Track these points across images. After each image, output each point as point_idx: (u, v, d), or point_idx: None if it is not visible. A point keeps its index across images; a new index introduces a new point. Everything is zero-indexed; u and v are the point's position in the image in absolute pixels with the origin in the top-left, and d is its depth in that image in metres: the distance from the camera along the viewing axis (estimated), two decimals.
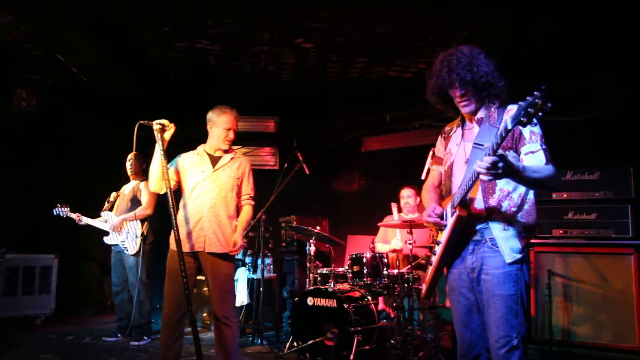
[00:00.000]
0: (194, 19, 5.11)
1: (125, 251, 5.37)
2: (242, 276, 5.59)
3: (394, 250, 5.29)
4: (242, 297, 5.50)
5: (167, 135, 3.42)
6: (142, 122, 3.31)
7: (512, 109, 2.39)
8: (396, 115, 6.86)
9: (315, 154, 6.00)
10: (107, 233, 5.52)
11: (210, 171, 3.66)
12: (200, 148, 3.79)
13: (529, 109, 1.86)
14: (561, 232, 4.81)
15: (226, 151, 3.77)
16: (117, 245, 5.45)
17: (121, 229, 5.41)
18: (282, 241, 6.46)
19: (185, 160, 3.71)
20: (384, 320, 4.91)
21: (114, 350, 5.02)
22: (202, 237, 3.53)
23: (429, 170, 4.63)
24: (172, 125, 3.42)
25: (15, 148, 7.02)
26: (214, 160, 3.72)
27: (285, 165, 5.39)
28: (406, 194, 5.55)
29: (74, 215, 5.70)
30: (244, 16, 4.97)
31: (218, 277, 3.55)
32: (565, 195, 4.85)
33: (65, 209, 5.72)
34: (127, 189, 5.62)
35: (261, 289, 5.24)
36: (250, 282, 5.60)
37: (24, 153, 7.13)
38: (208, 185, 3.60)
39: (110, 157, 6.40)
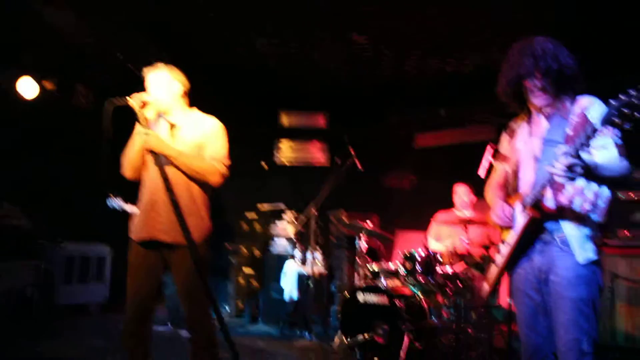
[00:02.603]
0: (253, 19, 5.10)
1: None
2: (291, 270, 5.57)
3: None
4: (291, 291, 5.49)
5: (150, 111, 2.92)
6: (112, 99, 2.73)
7: (582, 100, 2.27)
8: (451, 111, 6.66)
9: (366, 150, 5.89)
10: None
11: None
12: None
13: (624, 109, 1.70)
14: (626, 233, 4.56)
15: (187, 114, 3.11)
16: None
17: None
18: (331, 235, 6.42)
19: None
20: (434, 318, 4.79)
21: (164, 339, 5.10)
22: (158, 224, 2.88)
23: (489, 167, 4.53)
24: (153, 100, 2.90)
25: (73, 142, 7.23)
26: (171, 128, 3.06)
27: (338, 161, 5.31)
28: (460, 191, 5.39)
29: (126, 207, 5.82)
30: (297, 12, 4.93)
31: (180, 273, 2.90)
32: (631, 195, 4.59)
33: (120, 200, 5.86)
34: None
35: (310, 283, 5.20)
36: (299, 276, 5.57)
37: (82, 147, 7.32)
38: (160, 161, 2.83)
39: None
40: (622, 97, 1.72)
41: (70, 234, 6.52)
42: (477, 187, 5.30)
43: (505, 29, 5.12)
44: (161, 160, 2.80)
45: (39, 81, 6.03)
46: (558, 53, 2.22)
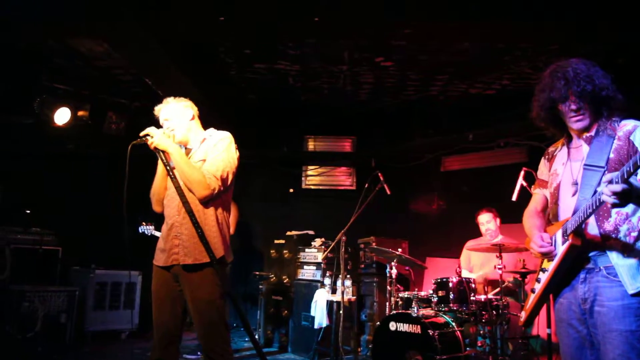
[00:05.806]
0: (276, 39, 5.16)
1: None
2: (321, 298, 5.51)
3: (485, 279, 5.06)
4: (321, 319, 5.41)
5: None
6: (135, 142, 2.91)
7: (626, 123, 2.18)
8: (478, 134, 6.58)
9: (392, 174, 5.84)
10: None
11: None
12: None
13: None
14: None
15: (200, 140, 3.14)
16: None
17: None
18: (360, 263, 6.34)
19: None
20: (468, 349, 4.65)
21: None
22: (177, 248, 2.90)
23: (520, 190, 4.43)
24: (172, 133, 3.00)
25: (105, 169, 7.35)
26: (187, 153, 3.13)
27: (366, 185, 5.27)
28: (485, 219, 5.24)
29: (157, 233, 5.86)
30: (325, 35, 4.96)
31: (198, 300, 2.85)
32: None
33: (150, 227, 5.90)
34: None
35: (341, 312, 5.12)
36: (329, 304, 5.49)
37: (115, 173, 7.43)
38: (178, 181, 2.87)
39: None
40: None
41: (102, 260, 6.58)
42: (505, 210, 5.20)
43: (533, 51, 5.09)
44: (171, 165, 2.90)
45: (73, 109, 6.16)
46: (592, 74, 2.16)
